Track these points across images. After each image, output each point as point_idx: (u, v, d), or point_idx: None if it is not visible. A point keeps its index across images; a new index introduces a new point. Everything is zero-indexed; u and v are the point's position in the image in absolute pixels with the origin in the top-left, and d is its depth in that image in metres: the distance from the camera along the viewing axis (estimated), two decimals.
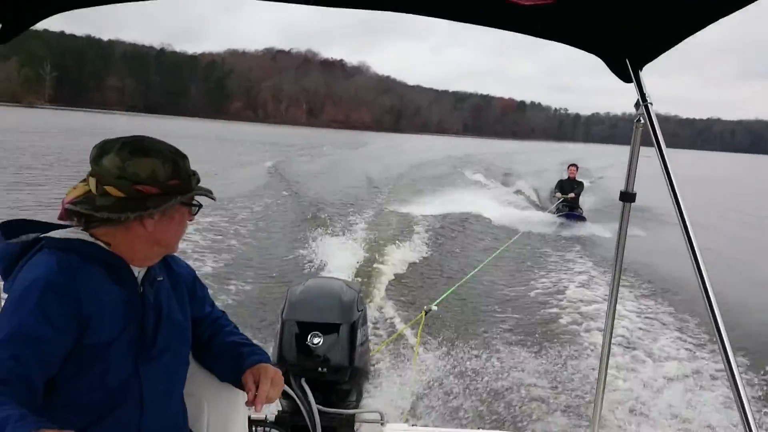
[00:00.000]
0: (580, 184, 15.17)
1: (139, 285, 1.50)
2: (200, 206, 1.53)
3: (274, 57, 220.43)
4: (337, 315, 2.50)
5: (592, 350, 6.30)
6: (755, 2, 1.30)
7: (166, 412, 1.55)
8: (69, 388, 1.36)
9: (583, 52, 1.93)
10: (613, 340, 2.43)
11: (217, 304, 1.91)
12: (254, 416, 2.35)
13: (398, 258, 9.72)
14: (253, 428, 2.35)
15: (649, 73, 1.95)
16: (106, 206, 1.37)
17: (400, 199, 17.43)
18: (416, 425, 3.70)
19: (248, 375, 1.64)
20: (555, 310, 7.97)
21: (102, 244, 1.44)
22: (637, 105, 1.89)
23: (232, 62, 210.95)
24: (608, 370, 2.39)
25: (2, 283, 1.54)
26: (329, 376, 2.42)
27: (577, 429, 4.71)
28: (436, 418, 4.60)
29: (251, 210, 14.77)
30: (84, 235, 1.44)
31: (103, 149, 1.42)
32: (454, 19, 1.81)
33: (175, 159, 1.45)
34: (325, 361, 2.41)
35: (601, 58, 1.91)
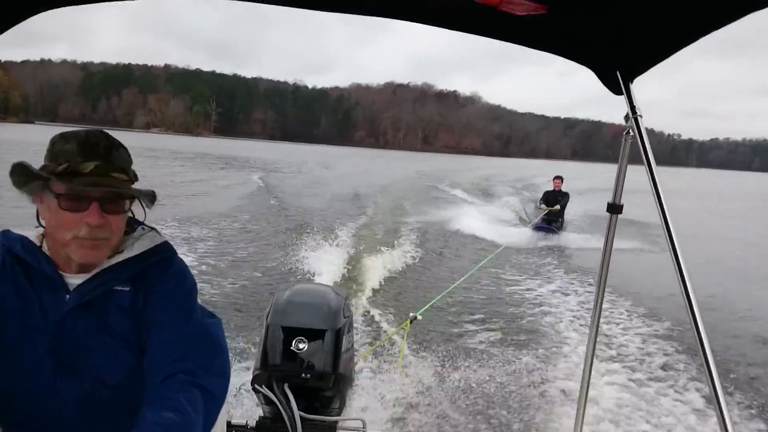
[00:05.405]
0: (566, 195, 14.95)
1: (67, 292, 1.32)
2: (68, 199, 1.26)
3: (394, 90, 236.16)
4: (322, 321, 2.42)
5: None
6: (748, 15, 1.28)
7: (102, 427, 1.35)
8: None
9: (577, 64, 1.89)
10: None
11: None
12: (234, 421, 2.33)
13: (386, 263, 9.53)
14: None
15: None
16: None
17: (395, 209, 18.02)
18: None
19: None
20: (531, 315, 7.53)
21: (36, 242, 1.35)
22: (626, 118, 1.82)
23: (357, 96, 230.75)
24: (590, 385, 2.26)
25: None
26: (313, 382, 2.34)
27: None
28: (421, 426, 4.38)
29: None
30: (31, 232, 1.37)
31: None
32: (444, 26, 1.77)
33: (59, 143, 1.28)
34: (309, 367, 2.32)
35: (591, 69, 1.88)
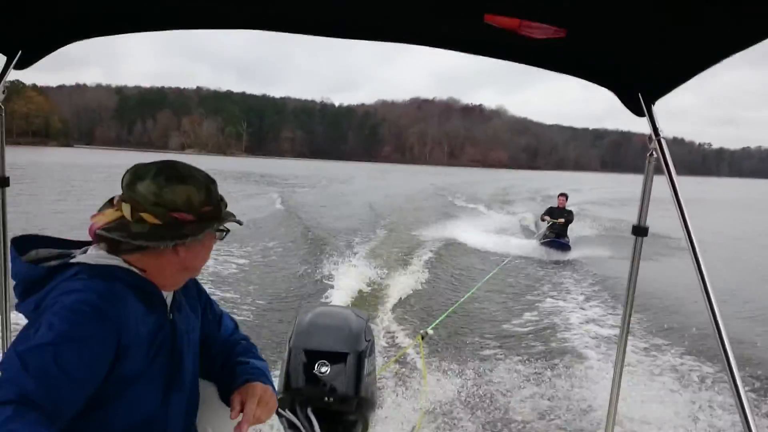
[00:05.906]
0: (570, 212, 14.82)
1: (168, 312, 1.42)
2: (228, 231, 1.46)
3: (420, 106, 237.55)
4: (344, 344, 2.40)
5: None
6: None
7: None
8: (93, 419, 1.25)
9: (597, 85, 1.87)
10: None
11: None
12: None
13: (401, 280, 9.59)
14: None
15: None
16: (142, 233, 1.28)
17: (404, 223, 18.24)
18: None
19: (236, 396, 1.49)
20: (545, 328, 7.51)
21: (137, 271, 1.35)
22: (650, 139, 1.80)
23: (383, 112, 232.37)
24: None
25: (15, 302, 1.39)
26: (335, 405, 2.32)
27: None
28: None
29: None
30: (118, 261, 1.34)
31: (137, 175, 1.32)
32: (464, 51, 1.78)
33: (208, 185, 1.37)
34: (331, 391, 2.30)
35: (613, 91, 1.86)
